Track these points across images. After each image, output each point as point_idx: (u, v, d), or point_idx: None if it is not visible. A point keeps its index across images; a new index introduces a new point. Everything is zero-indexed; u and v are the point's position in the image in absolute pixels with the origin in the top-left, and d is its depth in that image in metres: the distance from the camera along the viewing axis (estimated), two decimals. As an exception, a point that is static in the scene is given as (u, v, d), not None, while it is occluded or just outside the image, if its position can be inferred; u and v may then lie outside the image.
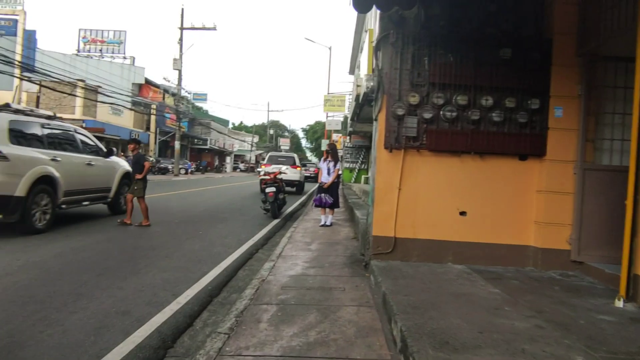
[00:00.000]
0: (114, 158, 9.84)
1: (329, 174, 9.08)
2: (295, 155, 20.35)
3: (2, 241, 6.27)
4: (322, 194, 9.01)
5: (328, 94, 26.20)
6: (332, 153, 9.20)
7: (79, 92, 33.71)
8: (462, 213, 5.15)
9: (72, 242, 6.52)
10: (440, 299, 3.77)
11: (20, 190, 6.56)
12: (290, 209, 13.06)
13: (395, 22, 5.01)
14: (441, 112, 5.07)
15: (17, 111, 7.40)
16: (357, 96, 13.06)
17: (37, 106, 23.78)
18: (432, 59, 5.06)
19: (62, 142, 8.17)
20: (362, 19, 19.42)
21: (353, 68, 25.80)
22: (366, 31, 17.14)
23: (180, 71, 34.85)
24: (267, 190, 10.51)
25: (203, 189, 21.13)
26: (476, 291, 4.06)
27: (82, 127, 28.28)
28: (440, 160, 5.16)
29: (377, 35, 5.37)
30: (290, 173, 18.42)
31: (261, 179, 11.26)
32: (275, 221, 10.24)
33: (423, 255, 5.15)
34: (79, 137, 8.84)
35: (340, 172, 9.72)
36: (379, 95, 5.20)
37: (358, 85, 12.78)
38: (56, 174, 7.40)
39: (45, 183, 7.13)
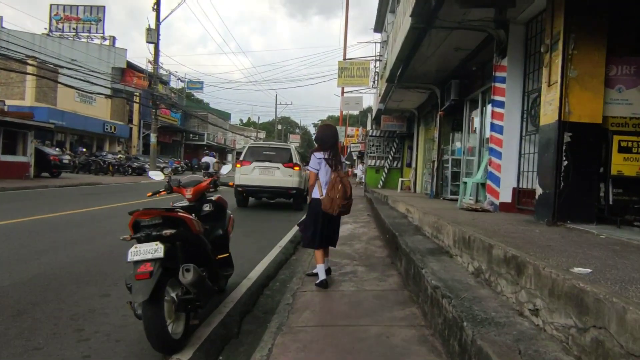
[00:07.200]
0: None
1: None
2: (292, 147, 12.22)
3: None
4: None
5: (344, 60, 18.16)
6: (331, 141, 3.86)
7: (31, 73, 26.60)
8: None
9: None
10: None
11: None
12: (257, 269, 5.31)
13: None
14: None
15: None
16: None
17: None
18: None
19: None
20: None
21: (381, 21, 17.88)
22: None
23: (156, 45, 27.42)
24: (134, 257, 2.71)
25: (125, 204, 10.85)
26: None
27: (2, 110, 21.09)
28: None
29: None
30: (280, 175, 10.70)
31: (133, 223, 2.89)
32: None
33: None
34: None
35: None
36: None
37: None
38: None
39: None
